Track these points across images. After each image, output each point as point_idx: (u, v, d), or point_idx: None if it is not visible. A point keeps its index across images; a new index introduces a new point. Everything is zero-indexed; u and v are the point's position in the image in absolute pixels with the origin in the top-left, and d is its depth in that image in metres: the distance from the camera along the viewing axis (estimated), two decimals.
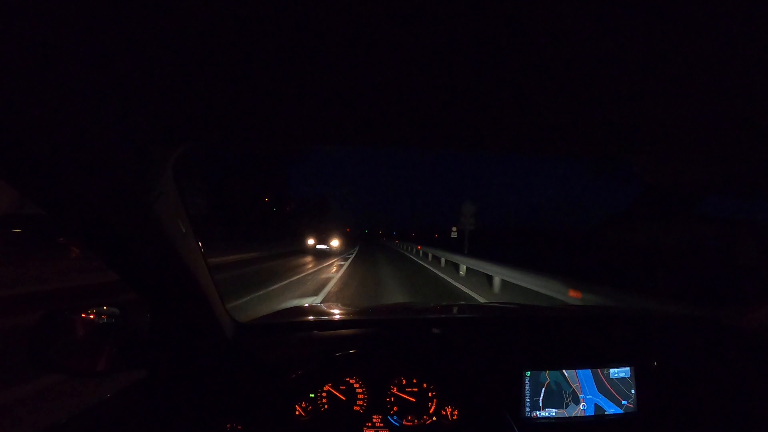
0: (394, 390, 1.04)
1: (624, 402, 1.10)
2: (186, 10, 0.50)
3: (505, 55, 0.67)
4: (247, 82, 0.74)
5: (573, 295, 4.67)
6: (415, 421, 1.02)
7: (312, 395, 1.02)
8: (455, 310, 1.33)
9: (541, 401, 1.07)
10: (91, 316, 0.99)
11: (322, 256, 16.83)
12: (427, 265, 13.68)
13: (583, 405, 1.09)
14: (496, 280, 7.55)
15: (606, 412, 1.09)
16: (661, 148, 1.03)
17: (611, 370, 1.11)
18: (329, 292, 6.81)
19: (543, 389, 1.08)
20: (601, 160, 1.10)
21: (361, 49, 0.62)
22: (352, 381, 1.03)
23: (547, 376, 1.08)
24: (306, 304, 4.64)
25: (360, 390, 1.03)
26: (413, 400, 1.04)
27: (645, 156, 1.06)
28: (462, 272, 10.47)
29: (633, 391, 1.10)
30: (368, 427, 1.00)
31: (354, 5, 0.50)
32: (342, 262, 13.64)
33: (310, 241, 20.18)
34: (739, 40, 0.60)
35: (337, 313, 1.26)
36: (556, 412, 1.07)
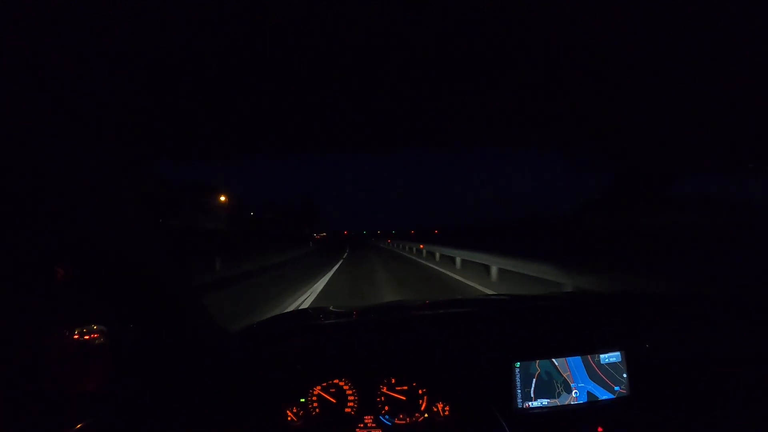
0: (384, 390, 1.04)
1: (617, 388, 1.10)
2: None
3: (480, 51, 0.70)
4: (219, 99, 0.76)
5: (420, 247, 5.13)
6: (407, 419, 1.02)
7: (302, 399, 1.02)
8: (443, 306, 1.33)
9: (532, 391, 1.06)
10: (76, 336, 1.00)
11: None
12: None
13: (576, 393, 1.09)
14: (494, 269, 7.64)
15: (599, 399, 1.08)
16: (629, 132, 1.06)
17: (602, 356, 1.11)
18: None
19: (534, 379, 1.07)
20: (572, 148, 1.13)
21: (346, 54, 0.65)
22: (341, 383, 1.03)
23: (537, 366, 1.08)
24: (294, 309, 4.60)
25: (350, 391, 1.03)
26: (404, 398, 1.03)
27: (614, 141, 1.09)
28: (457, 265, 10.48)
29: (625, 376, 1.10)
30: (360, 428, 1.00)
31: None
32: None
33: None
34: (697, 22, 0.62)
35: (324, 316, 1.26)
36: (548, 402, 1.06)
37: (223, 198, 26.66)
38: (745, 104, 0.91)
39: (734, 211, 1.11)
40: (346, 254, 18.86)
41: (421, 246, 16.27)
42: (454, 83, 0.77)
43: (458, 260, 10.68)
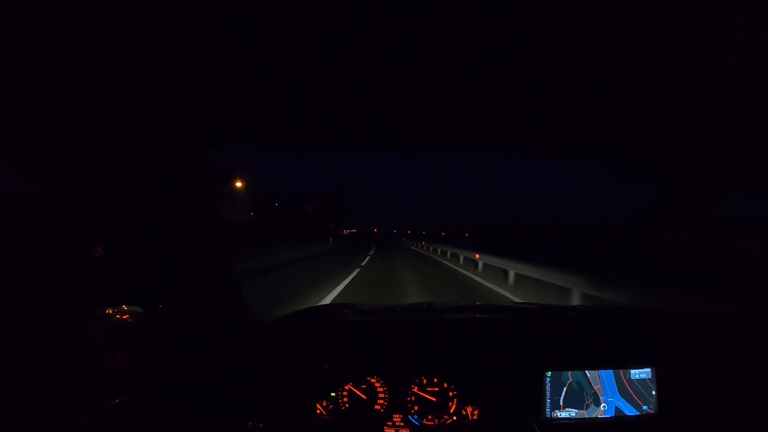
0: (415, 389, 1.03)
1: (645, 407, 1.09)
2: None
3: (527, 62, 0.68)
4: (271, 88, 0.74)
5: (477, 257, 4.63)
6: (436, 420, 1.02)
7: (333, 394, 1.02)
8: (476, 309, 1.32)
9: (562, 400, 1.06)
10: (110, 315, 0.99)
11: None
12: None
13: (604, 406, 1.08)
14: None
15: (626, 414, 1.08)
16: (679, 148, 1.03)
17: (632, 371, 1.11)
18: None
19: (564, 389, 1.07)
20: (619, 160, 1.10)
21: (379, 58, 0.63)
22: (373, 380, 1.03)
23: (569, 376, 1.08)
24: (326, 303, 4.60)
25: (381, 389, 1.03)
26: (434, 399, 1.03)
27: (664, 156, 1.06)
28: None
29: (654, 393, 1.10)
30: (389, 426, 1.00)
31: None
32: None
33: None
34: (756, 42, 0.60)
35: (357, 312, 1.26)
36: (576, 413, 1.06)
37: (239, 184, 23.45)
38: None
39: None
40: (366, 261, 12.40)
41: (477, 256, 10.08)
42: (496, 85, 0.75)
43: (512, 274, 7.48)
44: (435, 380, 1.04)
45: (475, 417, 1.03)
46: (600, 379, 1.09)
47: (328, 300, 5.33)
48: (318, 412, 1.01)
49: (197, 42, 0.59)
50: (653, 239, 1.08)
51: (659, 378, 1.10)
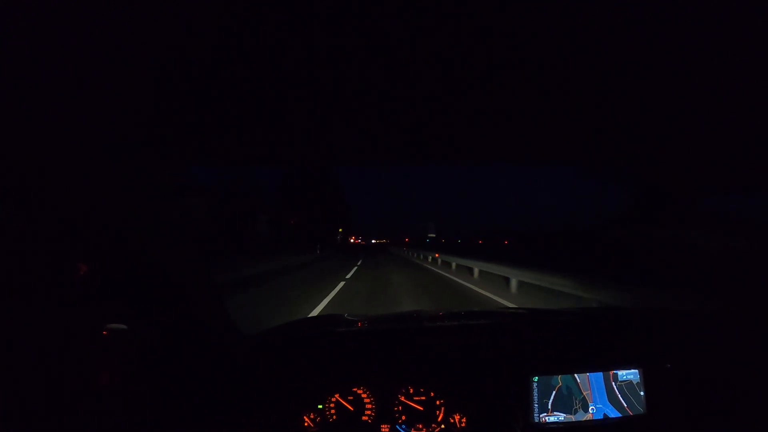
0: (402, 399, 1.03)
1: (634, 411, 1.09)
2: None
3: (506, 68, 0.69)
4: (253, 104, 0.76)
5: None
6: (424, 429, 1.02)
7: (320, 406, 1.01)
8: (461, 317, 1.33)
9: (550, 404, 1.06)
10: (95, 331, 0.99)
11: None
12: None
13: (593, 409, 1.08)
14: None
15: (615, 417, 1.08)
16: (652, 148, 1.05)
17: (620, 373, 1.10)
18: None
19: (554, 392, 1.07)
20: (595, 163, 1.12)
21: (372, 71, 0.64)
22: (359, 391, 1.03)
23: (559, 380, 1.08)
24: (313, 314, 4.57)
25: (368, 399, 1.02)
26: (421, 408, 1.03)
27: (637, 157, 1.08)
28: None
29: (642, 394, 1.10)
30: None
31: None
32: None
33: None
34: (730, 43, 0.61)
35: (343, 323, 1.26)
36: (564, 417, 1.06)
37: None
38: None
39: (762, 230, 1.09)
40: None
41: (437, 255, 12.40)
42: (475, 98, 0.76)
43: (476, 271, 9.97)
44: (422, 390, 1.04)
45: (463, 425, 1.03)
46: (589, 383, 1.09)
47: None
48: (306, 424, 1.00)
49: (182, 55, 0.60)
50: (631, 238, 1.09)
51: (647, 379, 1.10)
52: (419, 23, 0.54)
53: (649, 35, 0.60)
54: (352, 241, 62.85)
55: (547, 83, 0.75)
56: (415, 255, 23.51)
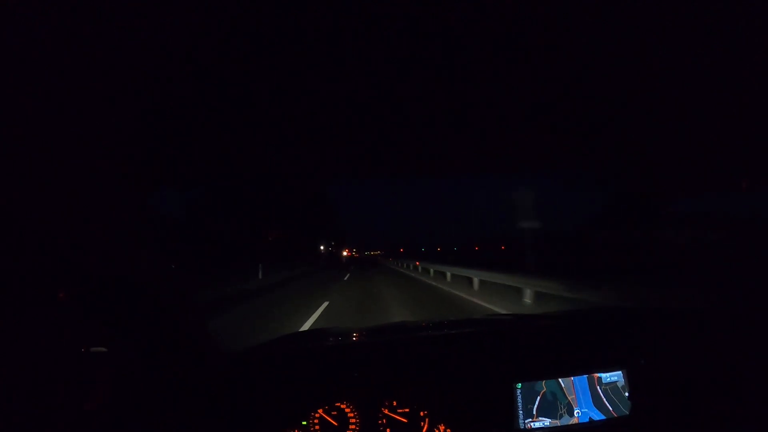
0: (386, 411, 1.03)
1: (618, 414, 1.09)
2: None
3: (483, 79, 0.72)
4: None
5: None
6: None
7: (304, 422, 1.00)
8: (444, 327, 1.33)
9: (535, 410, 1.06)
10: (79, 356, 0.99)
11: None
12: None
13: (578, 413, 1.08)
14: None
15: (600, 420, 1.08)
16: (623, 155, 1.09)
17: (602, 375, 1.11)
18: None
19: (538, 398, 1.07)
20: (569, 171, 1.15)
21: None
22: (343, 406, 1.02)
23: (543, 385, 1.08)
24: (298, 331, 4.51)
25: (351, 414, 1.02)
26: (405, 420, 1.02)
27: (609, 164, 1.12)
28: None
29: (626, 395, 1.10)
30: None
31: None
32: None
33: None
34: (692, 51, 0.65)
35: (324, 338, 1.26)
36: (549, 422, 1.06)
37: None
38: (732, 128, 0.95)
39: (734, 226, 1.13)
40: None
41: (417, 263, 12.76)
42: (455, 112, 0.79)
43: (459, 278, 10.41)
44: (404, 402, 1.04)
45: None
46: (573, 387, 1.09)
47: None
48: None
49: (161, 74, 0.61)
50: (606, 239, 1.11)
51: (630, 380, 1.11)
52: (402, 46, 0.57)
53: (623, 50, 0.64)
54: (345, 254, 61.16)
55: (527, 105, 0.79)
56: (404, 265, 23.82)
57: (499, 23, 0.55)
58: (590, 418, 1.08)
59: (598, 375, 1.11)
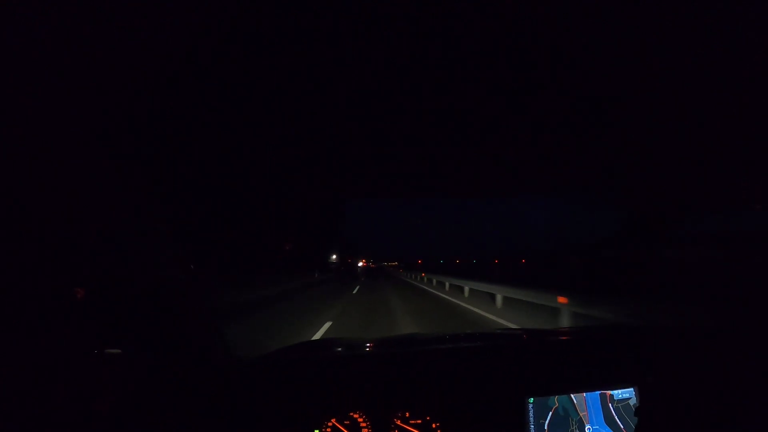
0: (398, 422, 1.03)
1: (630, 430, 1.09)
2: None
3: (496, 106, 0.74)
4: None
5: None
6: None
7: (316, 431, 1.00)
8: (458, 339, 1.33)
9: (546, 425, 1.05)
10: (92, 358, 0.99)
11: None
12: None
13: (589, 430, 1.08)
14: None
15: None
16: (637, 177, 1.10)
17: (614, 392, 1.11)
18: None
19: (550, 413, 1.07)
20: (584, 192, 1.18)
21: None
22: (356, 416, 1.02)
23: (555, 401, 1.08)
24: (312, 339, 4.48)
25: (364, 424, 1.02)
26: None
27: (623, 186, 1.13)
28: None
29: (637, 414, 1.10)
30: None
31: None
32: None
33: None
34: (704, 73, 0.66)
35: (339, 347, 1.26)
36: None
37: None
38: (745, 151, 0.96)
39: (743, 245, 1.14)
40: None
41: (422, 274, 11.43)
42: (476, 140, 0.81)
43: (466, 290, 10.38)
44: (417, 413, 1.03)
45: None
46: (586, 404, 1.09)
47: None
48: None
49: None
50: (622, 256, 1.13)
51: (642, 398, 1.11)
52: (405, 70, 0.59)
53: (638, 70, 0.65)
54: (361, 264, 63.67)
55: (546, 131, 0.81)
56: (416, 277, 22.86)
57: (523, 53, 0.56)
58: None
59: (611, 393, 1.11)
